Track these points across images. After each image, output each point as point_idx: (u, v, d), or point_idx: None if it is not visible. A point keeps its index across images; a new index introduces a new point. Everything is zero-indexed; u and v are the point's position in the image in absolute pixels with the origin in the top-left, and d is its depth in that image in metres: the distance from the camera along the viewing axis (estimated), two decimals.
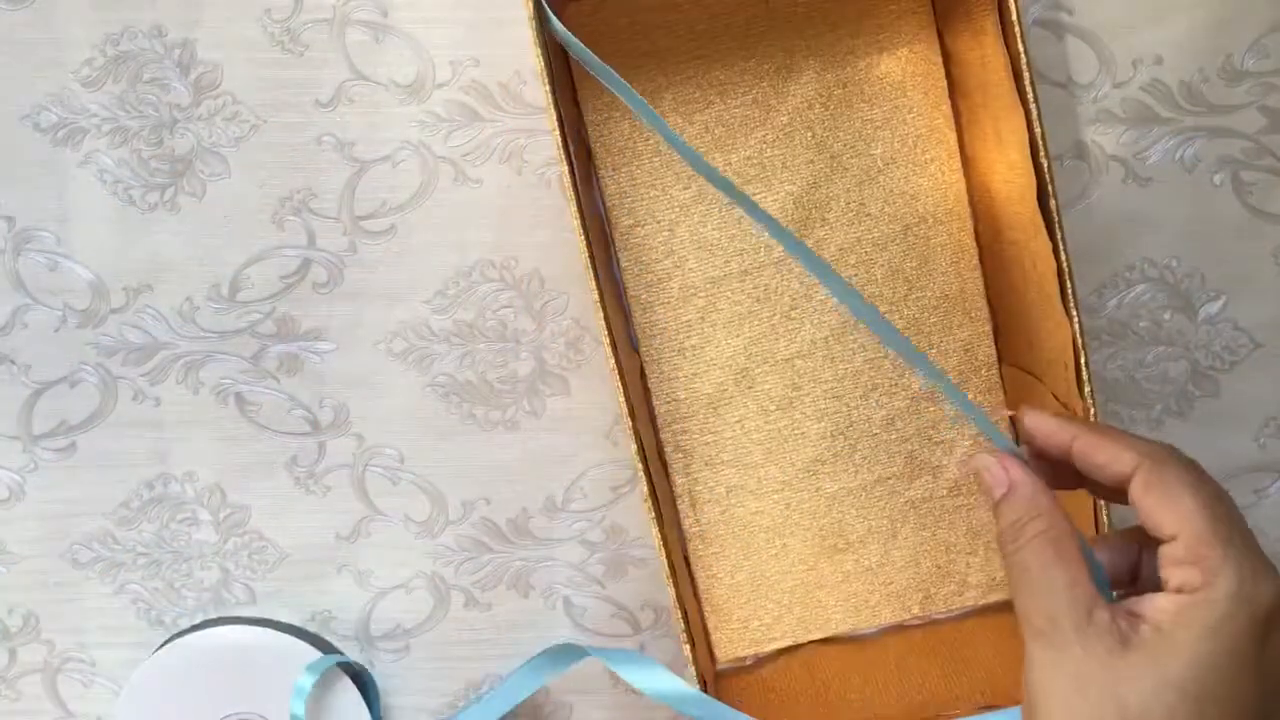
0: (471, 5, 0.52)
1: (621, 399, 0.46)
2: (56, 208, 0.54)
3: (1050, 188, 0.44)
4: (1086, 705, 0.33)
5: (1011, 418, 0.37)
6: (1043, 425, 0.38)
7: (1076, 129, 0.53)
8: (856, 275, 0.54)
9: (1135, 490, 0.35)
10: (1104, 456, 0.36)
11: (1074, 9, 0.52)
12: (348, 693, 0.54)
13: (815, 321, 0.54)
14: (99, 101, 0.53)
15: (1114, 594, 0.38)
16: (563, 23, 0.43)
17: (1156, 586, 0.35)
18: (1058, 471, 0.39)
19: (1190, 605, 0.33)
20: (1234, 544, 0.34)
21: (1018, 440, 0.44)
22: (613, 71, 0.41)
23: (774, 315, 0.54)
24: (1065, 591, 0.34)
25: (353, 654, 0.56)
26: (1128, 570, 0.39)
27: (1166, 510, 0.34)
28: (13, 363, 0.55)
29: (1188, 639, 0.33)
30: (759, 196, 0.53)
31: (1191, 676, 0.33)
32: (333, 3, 0.52)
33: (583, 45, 0.41)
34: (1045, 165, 0.44)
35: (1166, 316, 0.55)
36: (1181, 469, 0.35)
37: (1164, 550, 0.34)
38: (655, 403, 0.54)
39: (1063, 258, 0.44)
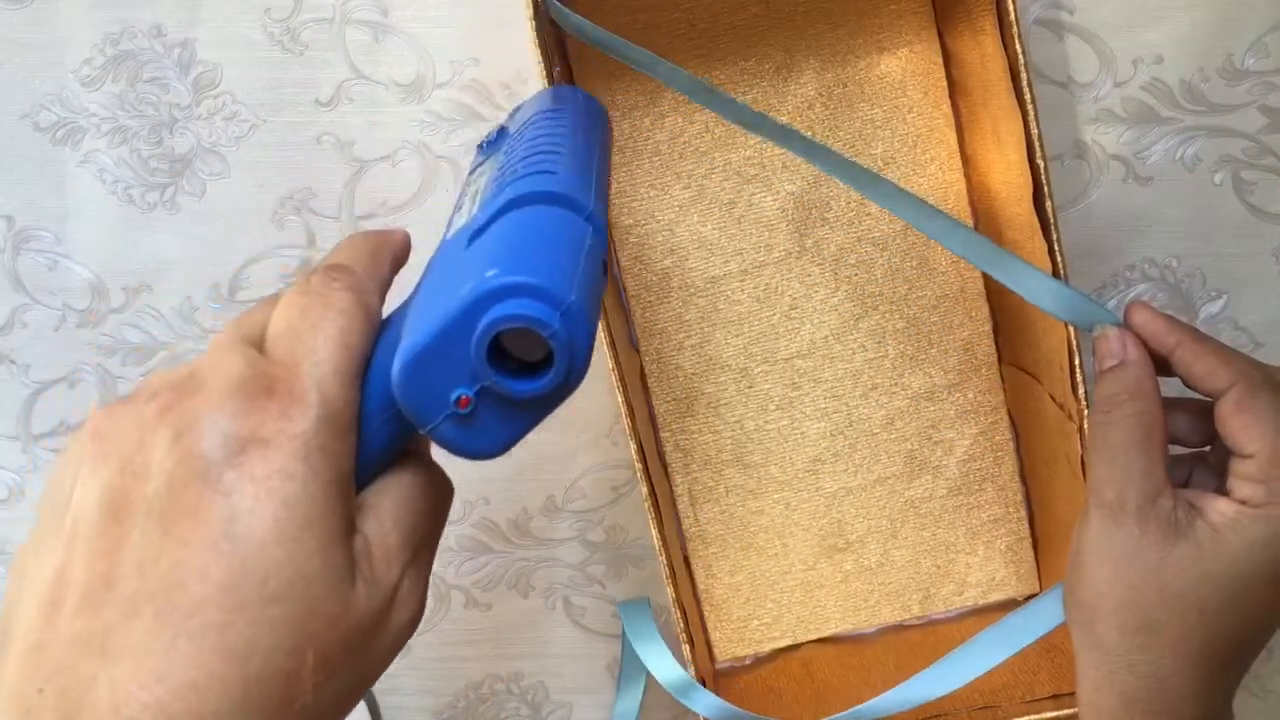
0: (471, 5, 0.52)
1: (621, 399, 0.46)
2: (56, 207, 0.54)
3: (1046, 189, 0.44)
4: (1130, 576, 0.36)
5: (1129, 306, 0.39)
6: (1150, 324, 0.39)
7: (1077, 128, 0.53)
8: (856, 275, 0.54)
9: (1225, 406, 0.37)
10: (1202, 369, 0.37)
11: (1074, 8, 0.52)
12: None
13: (815, 321, 0.54)
14: (98, 101, 0.53)
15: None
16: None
17: (1222, 471, 0.37)
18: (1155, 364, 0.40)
19: (1249, 516, 0.36)
20: None
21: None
22: (616, 37, 0.41)
23: (774, 315, 0.54)
24: (1140, 476, 0.37)
25: None
26: (1202, 438, 0.40)
27: (1250, 431, 0.36)
28: (12, 363, 0.55)
29: (1237, 544, 0.36)
30: (759, 196, 0.53)
31: (1230, 576, 0.36)
32: (332, 2, 0.52)
33: (585, 20, 0.41)
34: (1042, 166, 0.44)
35: None
36: (1273, 396, 0.37)
37: (1238, 464, 0.36)
38: (655, 403, 0.54)
39: (1058, 259, 0.44)
